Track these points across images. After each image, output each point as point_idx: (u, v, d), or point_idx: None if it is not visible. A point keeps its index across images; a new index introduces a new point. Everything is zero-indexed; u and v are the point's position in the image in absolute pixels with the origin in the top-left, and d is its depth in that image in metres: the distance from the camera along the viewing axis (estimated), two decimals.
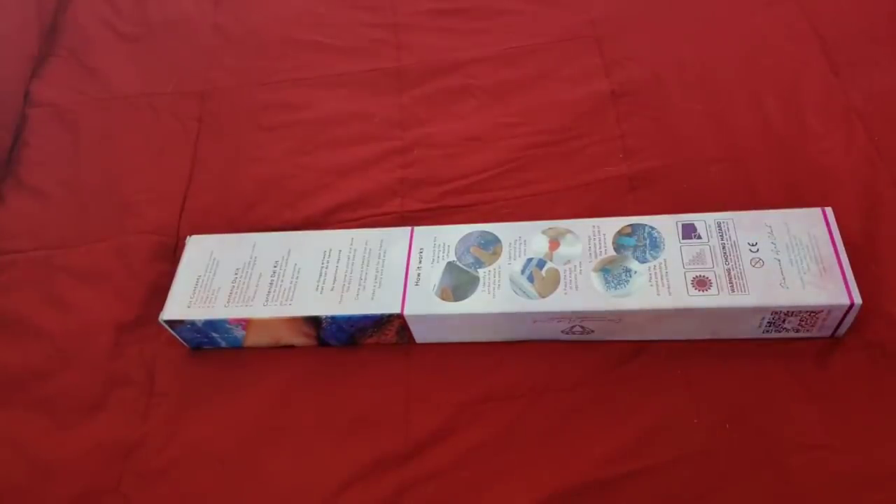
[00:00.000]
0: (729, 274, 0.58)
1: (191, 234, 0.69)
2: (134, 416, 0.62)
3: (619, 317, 0.58)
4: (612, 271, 0.59)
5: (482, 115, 0.79)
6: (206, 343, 0.65)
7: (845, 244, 0.58)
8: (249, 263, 0.65)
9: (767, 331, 0.58)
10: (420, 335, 0.62)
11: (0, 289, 0.71)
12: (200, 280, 0.65)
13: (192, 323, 0.62)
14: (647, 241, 0.61)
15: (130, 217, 0.75)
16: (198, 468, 0.59)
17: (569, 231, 0.63)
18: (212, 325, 0.62)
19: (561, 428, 0.57)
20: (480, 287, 0.60)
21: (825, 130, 0.70)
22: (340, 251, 0.65)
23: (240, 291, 0.63)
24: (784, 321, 0.57)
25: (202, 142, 0.81)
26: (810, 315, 0.56)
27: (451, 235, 0.64)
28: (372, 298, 0.61)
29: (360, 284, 0.62)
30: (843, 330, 0.58)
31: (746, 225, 0.60)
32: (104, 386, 0.64)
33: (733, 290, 0.57)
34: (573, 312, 0.58)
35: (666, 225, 0.62)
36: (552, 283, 0.59)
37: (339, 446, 0.58)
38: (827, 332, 0.58)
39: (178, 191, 0.77)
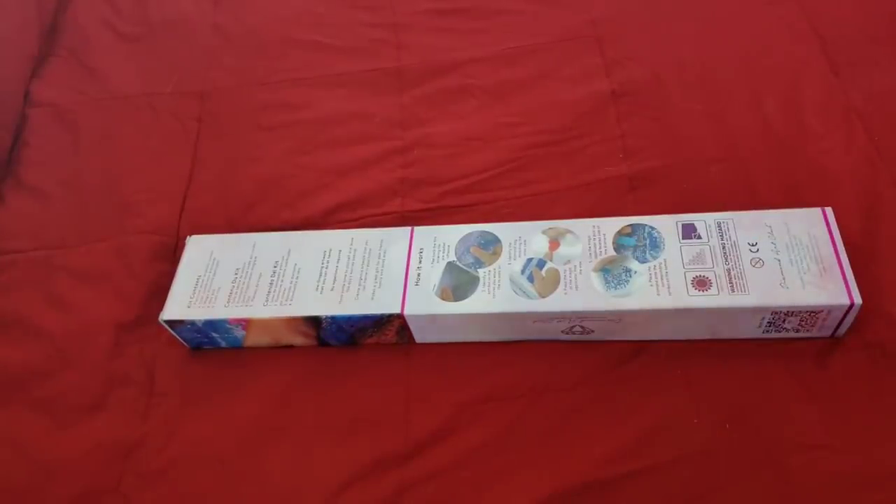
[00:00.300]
0: (729, 274, 0.58)
1: (191, 234, 0.69)
2: (134, 416, 0.62)
3: (619, 317, 0.58)
4: (612, 271, 0.59)
5: (482, 115, 0.79)
6: (206, 343, 0.65)
7: (845, 244, 0.58)
8: (249, 263, 0.65)
9: (767, 331, 0.58)
10: (420, 335, 0.62)
11: (0, 289, 0.71)
12: (200, 280, 0.65)
13: (192, 323, 0.62)
14: (647, 241, 0.61)
15: (130, 217, 0.75)
16: (198, 468, 0.59)
17: (569, 231, 0.63)
18: (212, 325, 0.62)
19: (561, 428, 0.57)
20: (480, 287, 0.60)
21: (825, 130, 0.70)
22: (340, 251, 0.65)
23: (240, 291, 0.63)
24: (784, 321, 0.57)
25: (202, 142, 0.81)
26: (810, 315, 0.56)
27: (451, 235, 0.64)
28: (372, 298, 0.61)
29: (360, 284, 0.62)
30: (843, 330, 0.58)
31: (746, 225, 0.60)
32: (104, 386, 0.64)
33: (733, 290, 0.57)
34: (573, 312, 0.58)
35: (666, 225, 0.62)
36: (552, 283, 0.59)
37: (339, 446, 0.58)
38: (827, 332, 0.58)
39: (178, 191, 0.77)
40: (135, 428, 0.61)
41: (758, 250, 0.59)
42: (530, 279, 0.60)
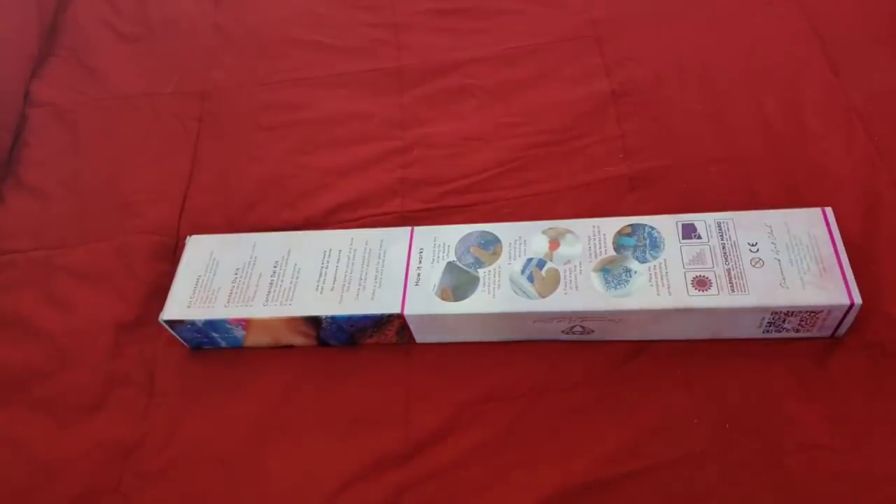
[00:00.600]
0: (729, 274, 0.58)
1: (191, 234, 0.69)
2: (134, 415, 0.62)
3: (619, 317, 0.58)
4: (612, 271, 0.59)
5: (482, 115, 0.79)
6: (206, 343, 0.65)
7: (845, 244, 0.58)
8: (249, 263, 0.65)
9: (767, 331, 0.58)
10: (420, 335, 0.62)
11: (0, 289, 0.71)
12: (200, 280, 0.65)
13: (192, 323, 0.62)
14: (647, 241, 0.61)
15: (130, 217, 0.75)
16: (198, 468, 0.59)
17: (569, 231, 0.63)
18: (212, 325, 0.62)
19: (561, 428, 0.57)
20: (480, 287, 0.60)
21: (825, 130, 0.70)
22: (340, 251, 0.65)
23: (240, 291, 0.63)
24: (784, 321, 0.57)
25: (202, 142, 0.81)
26: (810, 315, 0.56)
27: (451, 235, 0.64)
28: (372, 298, 0.61)
29: (360, 284, 0.62)
30: (843, 330, 0.58)
31: (746, 225, 0.60)
32: (104, 386, 0.64)
33: (733, 290, 0.57)
34: (573, 312, 0.58)
35: (666, 225, 0.62)
36: (552, 283, 0.59)
37: (339, 446, 0.58)
38: (827, 332, 0.58)
39: (178, 191, 0.77)
40: (135, 428, 0.61)
41: (758, 250, 0.59)
42: (530, 279, 0.60)
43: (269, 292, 0.63)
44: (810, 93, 0.74)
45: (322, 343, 0.64)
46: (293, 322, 0.62)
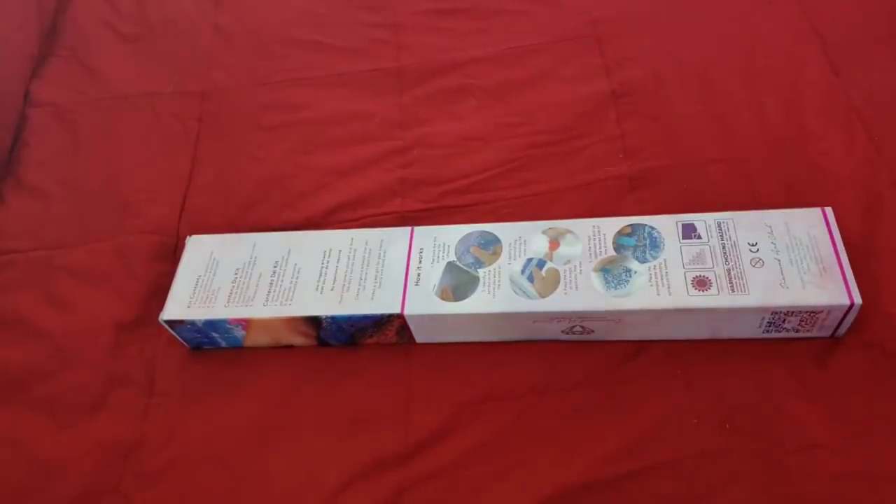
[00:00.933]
0: (729, 274, 0.58)
1: (191, 234, 0.69)
2: (134, 416, 0.62)
3: (619, 317, 0.58)
4: (612, 271, 0.59)
5: (482, 115, 0.79)
6: (207, 343, 0.65)
7: (845, 244, 0.58)
8: (249, 263, 0.65)
9: (767, 331, 0.58)
10: (420, 335, 0.62)
11: (0, 289, 0.71)
12: (200, 280, 0.65)
13: (192, 323, 0.62)
14: (647, 241, 0.61)
15: (130, 217, 0.75)
16: (198, 468, 0.59)
17: (569, 231, 0.63)
18: (212, 325, 0.62)
19: (561, 428, 0.57)
20: (480, 287, 0.60)
21: (825, 131, 0.70)
22: (340, 251, 0.65)
23: (240, 291, 0.63)
24: (784, 321, 0.57)
25: (202, 142, 0.81)
26: (810, 315, 0.56)
27: (451, 235, 0.64)
28: (372, 298, 0.61)
29: (360, 284, 0.62)
30: (843, 330, 0.58)
31: (746, 225, 0.60)
32: (104, 386, 0.64)
33: (733, 290, 0.57)
34: (573, 312, 0.58)
35: (666, 225, 0.62)
36: (552, 283, 0.59)
37: (339, 446, 0.58)
38: (827, 332, 0.58)
39: (178, 191, 0.77)
40: (135, 428, 0.61)
41: (758, 250, 0.59)
42: (530, 279, 0.60)
43: (269, 292, 0.63)
44: (810, 93, 0.74)
45: (322, 343, 0.64)
46: (293, 322, 0.62)
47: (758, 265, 0.58)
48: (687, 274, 0.58)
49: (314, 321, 0.61)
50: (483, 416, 0.58)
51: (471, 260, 0.62)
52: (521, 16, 0.87)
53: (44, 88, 0.88)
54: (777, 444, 0.54)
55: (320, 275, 0.63)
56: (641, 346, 0.60)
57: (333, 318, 0.61)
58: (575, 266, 0.60)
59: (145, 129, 0.83)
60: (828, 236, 0.59)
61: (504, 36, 0.85)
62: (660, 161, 0.71)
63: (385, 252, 0.64)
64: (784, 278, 0.57)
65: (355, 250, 0.65)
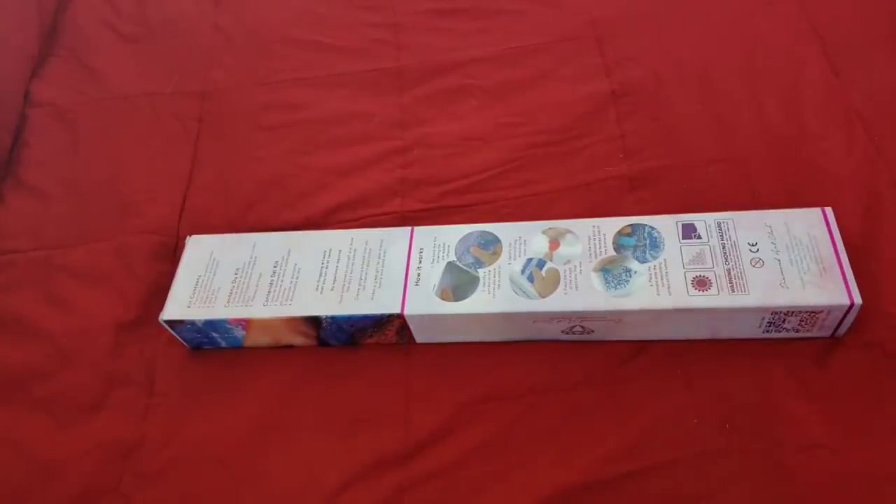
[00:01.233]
0: (729, 274, 0.58)
1: (191, 234, 0.69)
2: (134, 416, 0.62)
3: (619, 317, 0.58)
4: (612, 271, 0.59)
5: (482, 115, 0.79)
6: (207, 343, 0.65)
7: (845, 244, 0.58)
8: (249, 263, 0.65)
9: (767, 331, 0.58)
10: (420, 335, 0.62)
11: (0, 289, 0.71)
12: (200, 280, 0.65)
13: (192, 323, 0.62)
14: (647, 241, 0.61)
15: (130, 217, 0.75)
16: (198, 468, 0.59)
17: (569, 231, 0.63)
18: (212, 325, 0.62)
19: (561, 428, 0.57)
20: (480, 287, 0.60)
21: (825, 131, 0.70)
22: (340, 251, 0.65)
23: (240, 291, 0.63)
24: (784, 321, 0.57)
25: (202, 142, 0.81)
26: (810, 315, 0.56)
27: (451, 235, 0.64)
28: (372, 298, 0.61)
29: (360, 284, 0.62)
30: (843, 330, 0.58)
31: (746, 225, 0.60)
32: (104, 386, 0.64)
33: (733, 290, 0.57)
34: (573, 312, 0.58)
35: (666, 225, 0.62)
36: (552, 283, 0.59)
37: (339, 446, 0.58)
38: (827, 332, 0.58)
39: (178, 191, 0.77)
40: (135, 428, 0.61)
41: (758, 250, 0.59)
42: (530, 279, 0.60)
43: (269, 292, 0.63)
44: (810, 93, 0.74)
45: (322, 343, 0.64)
46: (293, 322, 0.62)
47: (758, 265, 0.58)
48: (687, 274, 0.58)
49: (314, 321, 0.61)
50: (483, 416, 0.58)
51: (471, 260, 0.62)
52: (521, 16, 0.87)
53: (44, 88, 0.88)
54: (777, 444, 0.54)
55: (320, 275, 0.63)
56: (641, 346, 0.60)
57: (333, 318, 0.61)
58: (575, 266, 0.60)
59: (145, 129, 0.83)
60: (828, 236, 0.59)
61: (504, 36, 0.85)
62: (660, 161, 0.71)
63: (385, 252, 0.64)
64: (784, 278, 0.57)
65: (355, 250, 0.65)
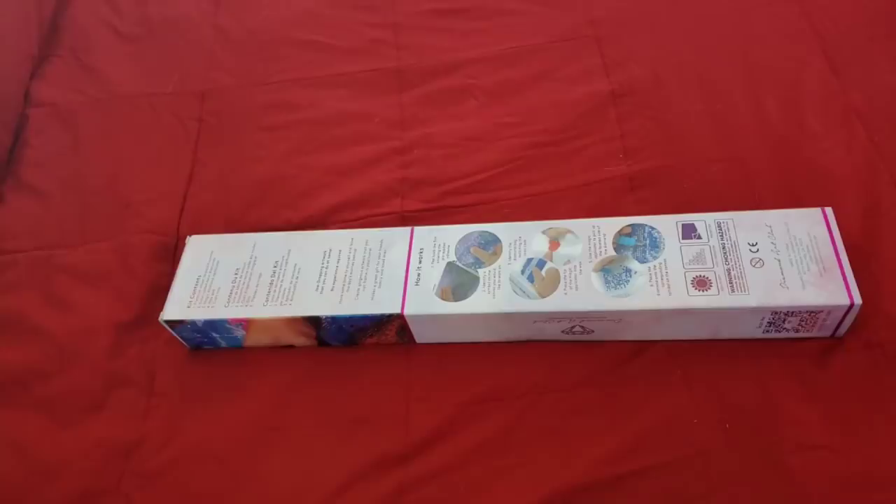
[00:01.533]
0: (729, 274, 0.58)
1: (191, 234, 0.69)
2: (134, 416, 0.62)
3: (619, 317, 0.58)
4: (612, 271, 0.59)
5: (482, 115, 0.79)
6: (206, 343, 0.65)
7: (845, 244, 0.58)
8: (249, 263, 0.65)
9: (767, 331, 0.58)
10: (420, 335, 0.62)
11: (0, 289, 0.71)
12: (200, 280, 0.65)
13: (192, 323, 0.62)
14: (647, 241, 0.61)
15: (130, 217, 0.75)
16: (198, 468, 0.59)
17: (569, 231, 0.63)
18: (212, 325, 0.62)
19: (561, 428, 0.57)
20: (480, 287, 0.60)
21: (825, 130, 0.70)
22: (340, 251, 0.65)
23: (240, 291, 0.63)
24: (784, 321, 0.57)
25: (202, 142, 0.81)
26: (810, 315, 0.56)
27: (451, 235, 0.64)
28: (372, 298, 0.61)
29: (360, 284, 0.62)
30: (843, 330, 0.58)
31: (746, 225, 0.60)
32: (104, 386, 0.64)
33: (733, 290, 0.57)
34: (573, 312, 0.58)
35: (666, 225, 0.62)
36: (552, 283, 0.59)
37: (339, 446, 0.58)
38: (827, 333, 0.58)
39: (178, 191, 0.77)
40: (135, 428, 0.61)
41: (758, 250, 0.59)
42: (530, 279, 0.60)
43: (269, 292, 0.63)
44: (810, 93, 0.74)
45: (322, 343, 0.64)
46: (293, 322, 0.62)
47: (758, 265, 0.58)
48: (687, 274, 0.58)
49: (314, 321, 0.61)
50: (483, 416, 0.58)
51: (471, 260, 0.62)
52: (521, 16, 0.87)
53: (44, 88, 0.88)
54: (777, 444, 0.54)
55: (320, 275, 0.63)
56: (641, 346, 0.60)
57: (333, 318, 0.61)
58: (575, 266, 0.60)
59: (145, 129, 0.83)
60: (828, 236, 0.59)
61: (504, 36, 0.85)
62: (660, 161, 0.71)
63: (385, 252, 0.64)
64: (784, 278, 0.57)
65: (355, 250, 0.65)
